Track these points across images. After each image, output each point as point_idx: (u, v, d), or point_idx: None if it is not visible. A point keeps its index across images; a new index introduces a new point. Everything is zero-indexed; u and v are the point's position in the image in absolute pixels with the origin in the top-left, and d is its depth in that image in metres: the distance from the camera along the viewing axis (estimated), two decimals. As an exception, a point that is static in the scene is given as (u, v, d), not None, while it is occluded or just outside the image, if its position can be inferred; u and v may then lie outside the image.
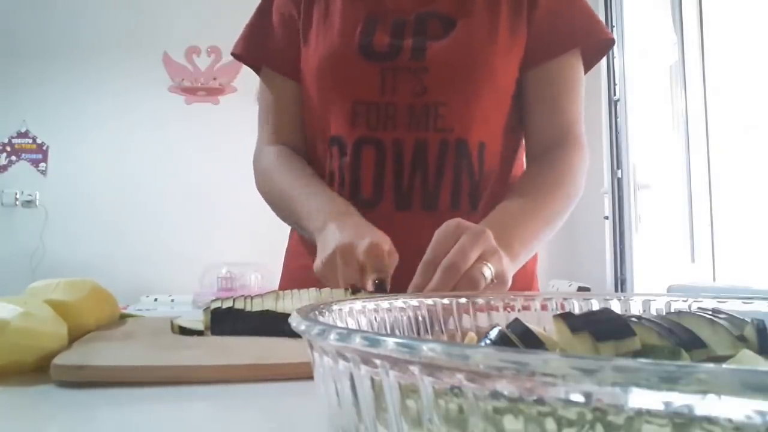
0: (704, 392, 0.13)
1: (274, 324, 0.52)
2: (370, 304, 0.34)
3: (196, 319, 0.57)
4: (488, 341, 0.28)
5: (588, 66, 0.89)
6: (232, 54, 0.94)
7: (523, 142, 0.90)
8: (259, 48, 0.92)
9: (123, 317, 0.62)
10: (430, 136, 0.80)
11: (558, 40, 0.85)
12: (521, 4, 0.85)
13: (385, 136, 0.81)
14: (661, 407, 0.14)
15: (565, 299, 0.40)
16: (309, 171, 0.86)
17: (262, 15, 0.93)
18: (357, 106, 0.82)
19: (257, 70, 0.94)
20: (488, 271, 0.60)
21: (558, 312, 0.39)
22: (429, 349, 0.17)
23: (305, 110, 0.90)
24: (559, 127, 0.85)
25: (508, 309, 0.40)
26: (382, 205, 0.82)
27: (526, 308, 0.40)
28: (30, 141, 3.14)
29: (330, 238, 0.68)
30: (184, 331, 0.55)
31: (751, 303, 0.33)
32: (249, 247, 2.96)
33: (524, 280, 0.86)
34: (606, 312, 0.33)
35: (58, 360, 0.39)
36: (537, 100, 0.86)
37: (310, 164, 0.89)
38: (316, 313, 0.28)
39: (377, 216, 0.78)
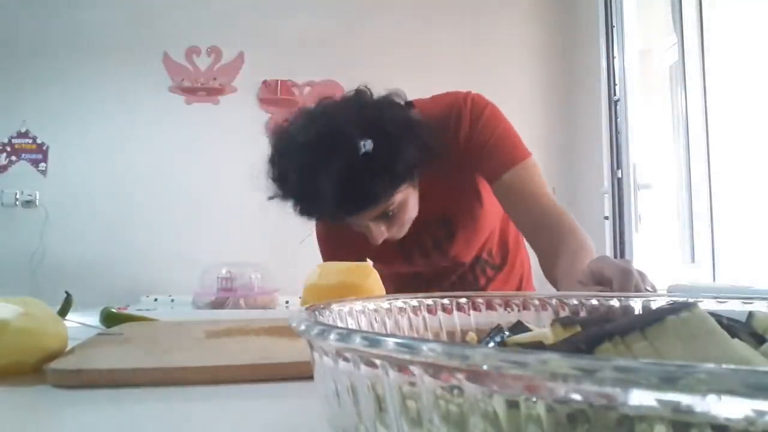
0: (704, 392, 0.13)
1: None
2: (371, 304, 0.34)
3: None
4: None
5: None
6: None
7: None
8: None
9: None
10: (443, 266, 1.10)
11: (503, 161, 0.97)
12: (465, 157, 0.97)
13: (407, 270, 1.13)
14: (661, 407, 0.14)
15: (565, 299, 0.40)
16: None
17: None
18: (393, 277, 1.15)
19: None
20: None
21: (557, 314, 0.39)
22: (429, 349, 0.17)
23: None
24: (541, 216, 0.98)
25: (509, 308, 0.40)
26: None
27: (525, 307, 0.40)
28: (30, 141, 3.13)
29: None
30: None
31: (751, 303, 0.33)
32: (249, 247, 2.96)
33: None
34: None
35: (55, 365, 0.39)
36: (510, 206, 1.00)
37: None
38: (316, 313, 0.28)
39: None
